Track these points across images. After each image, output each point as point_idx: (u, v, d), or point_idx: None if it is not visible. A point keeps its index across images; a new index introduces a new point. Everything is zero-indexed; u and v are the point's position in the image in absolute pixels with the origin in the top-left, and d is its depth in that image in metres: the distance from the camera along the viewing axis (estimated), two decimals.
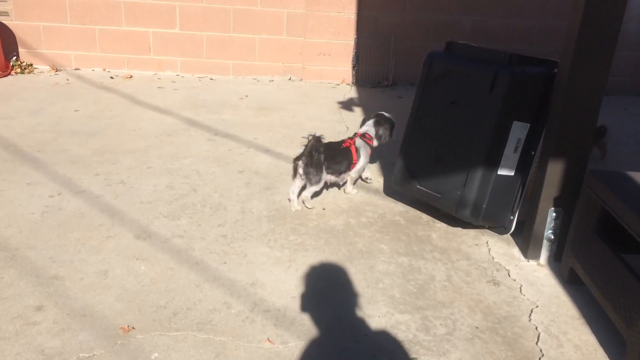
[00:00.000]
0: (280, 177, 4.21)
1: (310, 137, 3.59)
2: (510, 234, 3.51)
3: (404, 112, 3.88)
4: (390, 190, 4.05)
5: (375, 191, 4.10)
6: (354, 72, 6.99)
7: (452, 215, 3.50)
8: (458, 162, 3.41)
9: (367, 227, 3.57)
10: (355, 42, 6.88)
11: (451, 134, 3.45)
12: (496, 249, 3.42)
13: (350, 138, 3.96)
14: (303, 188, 3.75)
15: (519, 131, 3.31)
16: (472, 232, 3.59)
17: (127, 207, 3.63)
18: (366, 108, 6.10)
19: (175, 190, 3.93)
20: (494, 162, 3.31)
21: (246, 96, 6.33)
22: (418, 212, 3.80)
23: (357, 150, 3.89)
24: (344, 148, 3.85)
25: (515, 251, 3.40)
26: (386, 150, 4.65)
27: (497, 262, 3.27)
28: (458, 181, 3.39)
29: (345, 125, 5.52)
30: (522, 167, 3.38)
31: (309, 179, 3.66)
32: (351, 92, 6.74)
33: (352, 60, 6.95)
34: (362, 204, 3.88)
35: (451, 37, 7.17)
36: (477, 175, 3.31)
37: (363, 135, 3.98)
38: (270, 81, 7.01)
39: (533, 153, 3.36)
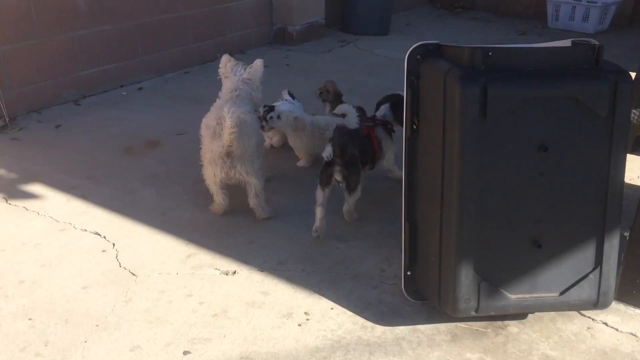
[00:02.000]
0: None
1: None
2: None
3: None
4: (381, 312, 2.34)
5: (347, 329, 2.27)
6: None
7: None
8: (577, 234, 2.10)
9: None
10: None
11: (551, 198, 2.06)
12: None
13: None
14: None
15: None
16: (574, 320, 2.37)
17: None
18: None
19: None
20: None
21: None
22: (461, 328, 2.29)
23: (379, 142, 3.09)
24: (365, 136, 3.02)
25: None
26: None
27: None
28: (583, 261, 2.11)
29: None
30: None
31: (349, 186, 2.78)
32: None
33: None
34: None
35: (58, 21, 4.65)
36: (615, 239, 2.11)
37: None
38: None
39: None
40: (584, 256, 2.12)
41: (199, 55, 5.67)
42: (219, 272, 2.61)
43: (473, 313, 2.14)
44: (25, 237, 2.84)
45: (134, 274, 2.57)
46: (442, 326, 2.29)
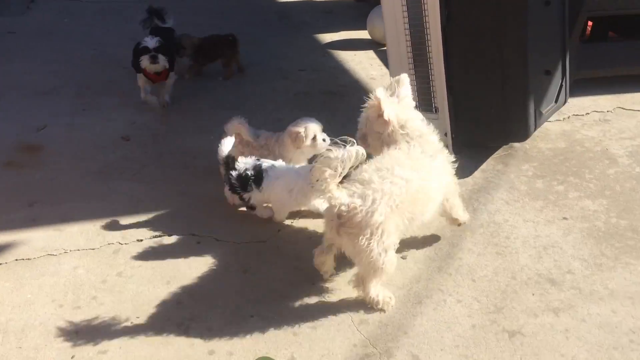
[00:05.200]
0: None
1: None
2: None
3: None
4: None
5: None
6: None
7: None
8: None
9: None
10: None
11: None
12: None
13: None
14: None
15: None
16: None
17: None
18: None
19: None
20: None
21: None
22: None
23: None
24: None
25: None
26: None
27: None
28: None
29: None
30: None
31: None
32: None
33: None
34: None
35: None
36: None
37: None
38: None
39: None
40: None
41: None
42: None
43: (532, 132, 3.23)
44: None
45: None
46: (491, 160, 3.27)
